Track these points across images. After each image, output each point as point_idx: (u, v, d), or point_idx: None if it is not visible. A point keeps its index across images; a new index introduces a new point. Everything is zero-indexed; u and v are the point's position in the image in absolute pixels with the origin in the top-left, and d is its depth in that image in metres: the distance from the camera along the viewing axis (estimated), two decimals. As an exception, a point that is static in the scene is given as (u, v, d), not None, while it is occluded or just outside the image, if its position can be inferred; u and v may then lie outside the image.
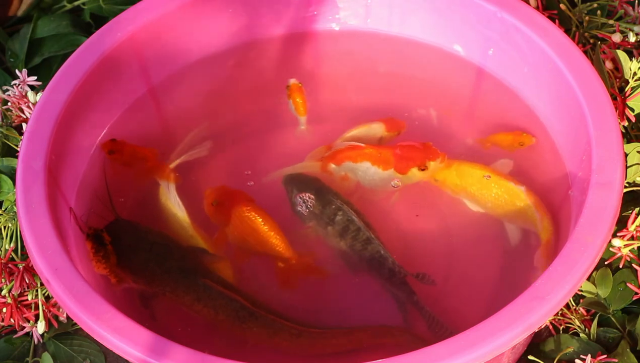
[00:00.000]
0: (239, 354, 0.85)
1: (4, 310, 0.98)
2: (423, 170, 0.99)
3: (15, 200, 0.91)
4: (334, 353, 0.92)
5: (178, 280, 0.93)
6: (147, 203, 1.00)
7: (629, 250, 0.94)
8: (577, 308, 0.98)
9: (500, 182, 0.98)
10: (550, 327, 0.98)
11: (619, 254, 0.94)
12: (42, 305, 0.99)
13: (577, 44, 1.08)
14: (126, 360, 0.85)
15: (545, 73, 0.98)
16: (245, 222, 0.97)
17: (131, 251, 0.95)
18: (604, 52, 1.07)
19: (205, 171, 1.04)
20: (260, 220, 0.97)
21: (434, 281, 0.94)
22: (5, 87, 1.11)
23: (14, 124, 1.09)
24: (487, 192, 0.98)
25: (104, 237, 0.94)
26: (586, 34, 1.13)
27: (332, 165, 1.01)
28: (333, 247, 0.97)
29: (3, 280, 0.99)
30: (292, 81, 1.07)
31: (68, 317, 1.01)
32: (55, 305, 0.99)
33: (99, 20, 1.24)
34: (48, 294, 1.00)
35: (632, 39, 1.08)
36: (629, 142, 1.02)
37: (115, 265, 0.93)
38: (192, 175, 1.03)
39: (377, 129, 1.05)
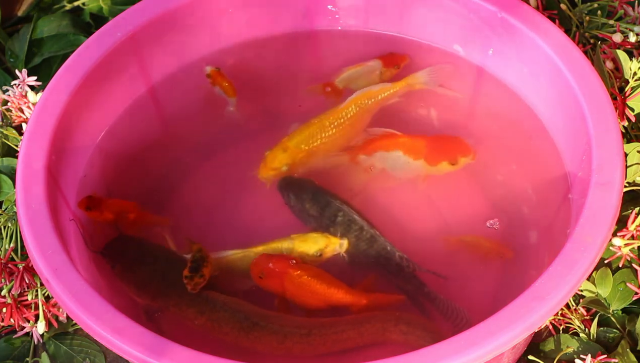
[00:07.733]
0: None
1: (4, 310, 0.98)
2: (454, 164, 0.99)
3: (15, 200, 0.91)
4: (344, 351, 0.91)
5: (181, 294, 0.92)
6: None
7: (629, 250, 0.94)
8: (577, 308, 0.98)
9: (371, 92, 1.02)
10: (550, 327, 0.98)
11: (619, 254, 0.94)
12: (42, 305, 0.99)
13: (577, 44, 1.08)
14: (126, 360, 0.85)
15: (545, 73, 0.98)
16: (300, 288, 0.93)
17: (136, 265, 0.94)
18: (604, 52, 1.07)
19: (205, 172, 1.05)
20: (315, 281, 0.93)
21: (445, 276, 0.94)
22: (5, 87, 1.11)
23: (14, 124, 1.09)
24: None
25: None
26: (586, 34, 1.13)
27: (362, 156, 1.01)
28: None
29: (3, 280, 0.99)
30: (210, 68, 1.06)
31: (68, 317, 1.01)
32: (55, 305, 0.99)
33: (99, 20, 1.25)
34: (48, 294, 1.00)
35: (632, 39, 1.08)
36: (629, 142, 1.02)
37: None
38: (192, 181, 1.03)
39: (374, 66, 1.05)
